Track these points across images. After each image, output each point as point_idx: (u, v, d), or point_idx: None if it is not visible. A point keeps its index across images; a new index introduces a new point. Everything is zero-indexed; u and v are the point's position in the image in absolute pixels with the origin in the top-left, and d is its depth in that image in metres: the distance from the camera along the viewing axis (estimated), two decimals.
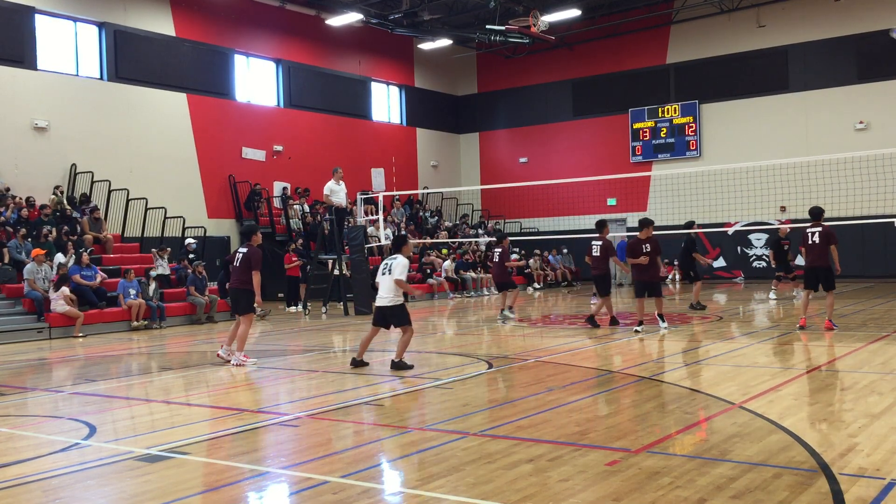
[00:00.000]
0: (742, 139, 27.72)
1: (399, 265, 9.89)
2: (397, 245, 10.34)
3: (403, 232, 19.36)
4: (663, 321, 13.45)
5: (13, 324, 15.67)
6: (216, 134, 24.48)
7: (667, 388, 8.21)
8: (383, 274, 9.99)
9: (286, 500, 5.06)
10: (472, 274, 25.70)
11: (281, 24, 26.66)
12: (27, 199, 18.88)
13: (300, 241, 22.40)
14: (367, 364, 10.19)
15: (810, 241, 12.55)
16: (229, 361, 10.94)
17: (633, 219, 28.69)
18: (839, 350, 10.52)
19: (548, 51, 30.97)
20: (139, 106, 22.60)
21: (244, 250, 11.05)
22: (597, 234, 14.84)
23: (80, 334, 15.87)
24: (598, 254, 14.56)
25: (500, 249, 16.25)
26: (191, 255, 20.07)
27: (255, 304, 11.10)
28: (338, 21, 26.15)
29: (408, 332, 10.03)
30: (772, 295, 19.11)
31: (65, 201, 19.79)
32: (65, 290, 16.02)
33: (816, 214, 12.81)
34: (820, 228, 12.55)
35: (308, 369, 10.60)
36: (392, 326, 10.14)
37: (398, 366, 9.88)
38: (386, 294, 9.91)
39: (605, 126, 30.67)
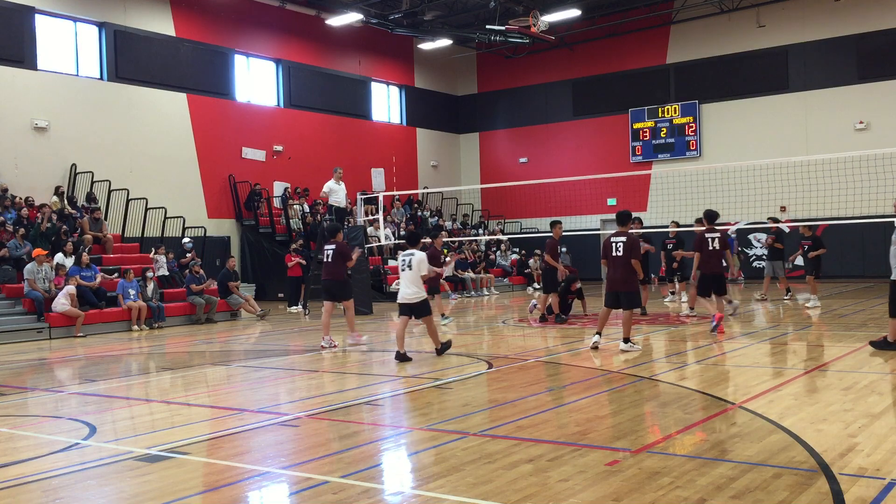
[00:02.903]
0: (742, 139, 27.71)
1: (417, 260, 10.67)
2: (412, 240, 11.20)
3: (408, 229, 19.70)
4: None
5: (13, 324, 15.66)
6: (216, 134, 24.48)
7: (667, 388, 8.21)
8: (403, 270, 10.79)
9: (286, 500, 5.06)
10: (472, 274, 25.69)
11: (281, 24, 26.66)
12: (27, 199, 18.87)
13: (300, 241, 22.34)
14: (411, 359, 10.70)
15: (711, 247, 11.68)
16: (335, 346, 12.24)
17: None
18: (839, 350, 10.52)
19: (548, 51, 30.96)
20: (139, 106, 22.60)
21: (332, 247, 12.21)
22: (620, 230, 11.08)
23: (80, 334, 15.87)
24: (622, 253, 10.81)
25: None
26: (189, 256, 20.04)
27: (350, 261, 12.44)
28: (338, 21, 26.15)
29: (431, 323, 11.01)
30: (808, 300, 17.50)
31: (65, 202, 19.79)
32: (70, 287, 16.03)
33: (712, 218, 12.07)
34: (718, 234, 11.92)
35: (308, 369, 10.60)
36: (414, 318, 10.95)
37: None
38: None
39: (605, 126, 30.66)
